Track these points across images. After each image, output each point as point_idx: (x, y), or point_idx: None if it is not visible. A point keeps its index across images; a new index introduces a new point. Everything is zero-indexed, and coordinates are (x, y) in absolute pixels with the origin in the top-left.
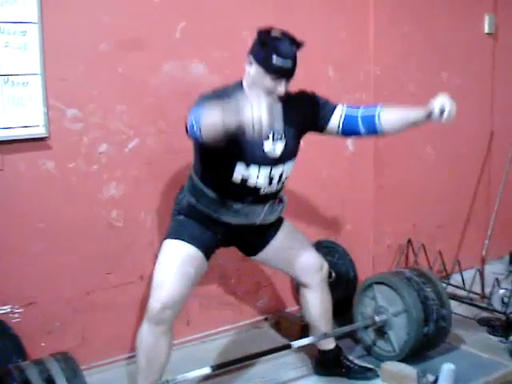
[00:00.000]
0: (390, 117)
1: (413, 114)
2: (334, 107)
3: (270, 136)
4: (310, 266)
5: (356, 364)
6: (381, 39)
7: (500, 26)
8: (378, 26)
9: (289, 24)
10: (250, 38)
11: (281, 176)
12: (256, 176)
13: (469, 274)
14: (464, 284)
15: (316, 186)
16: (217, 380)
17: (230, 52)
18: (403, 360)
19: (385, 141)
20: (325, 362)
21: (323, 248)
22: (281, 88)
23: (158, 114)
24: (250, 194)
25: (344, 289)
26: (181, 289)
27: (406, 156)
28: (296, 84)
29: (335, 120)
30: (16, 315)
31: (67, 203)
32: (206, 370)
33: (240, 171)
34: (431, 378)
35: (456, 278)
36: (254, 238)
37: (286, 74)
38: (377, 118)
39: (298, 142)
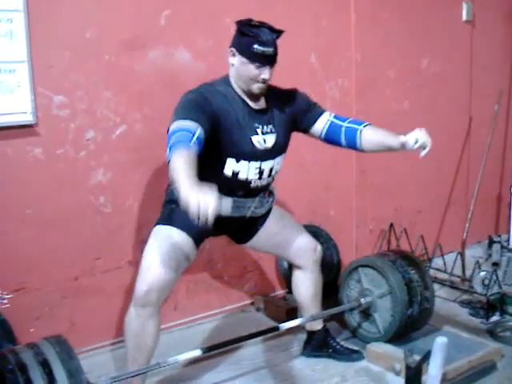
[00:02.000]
0: (370, 137)
1: (391, 140)
2: (322, 112)
3: (259, 130)
4: (304, 249)
5: (342, 345)
6: (362, 26)
7: (477, 13)
8: (359, 14)
9: (271, 11)
10: (233, 26)
11: (271, 170)
12: (246, 170)
13: (450, 258)
14: (445, 267)
15: (300, 172)
16: (205, 363)
17: (214, 39)
18: (388, 341)
19: None
20: (312, 343)
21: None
22: (265, 75)
23: (144, 101)
24: (241, 188)
25: (328, 273)
26: (168, 273)
27: None
28: (279, 71)
29: (320, 124)
30: (5, 301)
31: (55, 189)
32: (197, 353)
33: (230, 166)
34: (417, 357)
35: (437, 262)
36: (245, 227)
37: (268, 60)
38: (358, 134)
39: (288, 138)
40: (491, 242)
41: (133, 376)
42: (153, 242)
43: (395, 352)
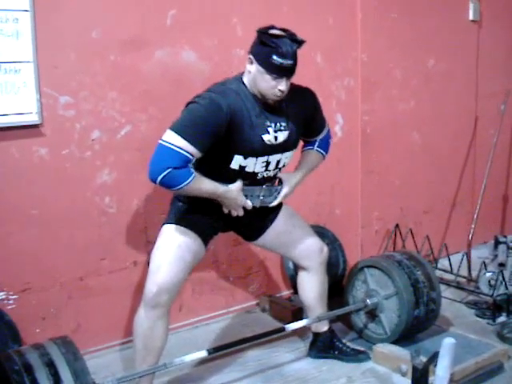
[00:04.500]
0: (303, 156)
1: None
2: (321, 130)
3: (271, 129)
4: (311, 250)
5: (348, 346)
6: (368, 26)
7: (484, 13)
8: (366, 13)
9: (277, 11)
10: (239, 25)
11: (278, 162)
12: (253, 164)
13: (455, 259)
14: (451, 268)
15: None
16: (211, 364)
17: (219, 39)
18: (394, 342)
19: (372, 127)
20: (318, 345)
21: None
22: (282, 86)
23: (149, 101)
24: (247, 179)
25: (333, 273)
26: (178, 273)
27: (392, 142)
28: None
29: (313, 139)
30: (11, 301)
31: (60, 190)
32: (203, 354)
33: (238, 161)
34: (424, 358)
35: (443, 263)
36: (254, 223)
37: (286, 72)
38: (308, 147)
39: (299, 135)
40: (497, 243)
41: (139, 377)
42: (161, 242)
43: (402, 353)
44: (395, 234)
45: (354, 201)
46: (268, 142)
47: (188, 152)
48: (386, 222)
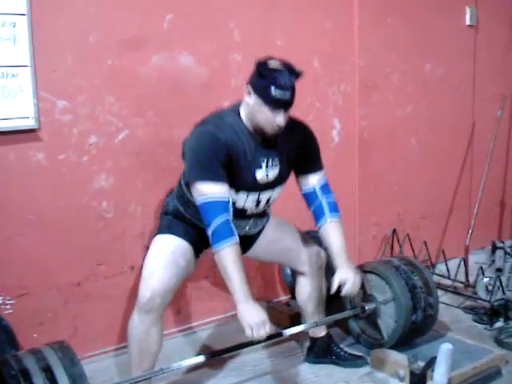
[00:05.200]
0: (326, 235)
1: (334, 257)
2: (317, 170)
3: (264, 164)
4: (307, 255)
5: (346, 351)
6: (365, 31)
7: (481, 18)
8: (363, 18)
9: (274, 16)
10: (237, 30)
11: (268, 199)
12: (244, 200)
13: (453, 264)
14: (449, 273)
15: None
16: (209, 369)
17: (217, 43)
18: (392, 347)
19: (370, 132)
20: (316, 350)
21: (310, 238)
22: (279, 119)
23: (146, 106)
24: (236, 213)
25: (331, 279)
26: (171, 278)
27: (390, 147)
28: None
29: (306, 181)
30: (8, 306)
31: (57, 194)
32: (200, 359)
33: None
34: (421, 363)
35: (440, 268)
36: (243, 239)
37: (284, 105)
38: (323, 221)
39: (290, 171)
40: (494, 248)
41: (136, 382)
42: (154, 249)
43: (399, 358)
44: (392, 240)
45: (351, 206)
46: (260, 178)
47: (218, 197)
48: (383, 228)
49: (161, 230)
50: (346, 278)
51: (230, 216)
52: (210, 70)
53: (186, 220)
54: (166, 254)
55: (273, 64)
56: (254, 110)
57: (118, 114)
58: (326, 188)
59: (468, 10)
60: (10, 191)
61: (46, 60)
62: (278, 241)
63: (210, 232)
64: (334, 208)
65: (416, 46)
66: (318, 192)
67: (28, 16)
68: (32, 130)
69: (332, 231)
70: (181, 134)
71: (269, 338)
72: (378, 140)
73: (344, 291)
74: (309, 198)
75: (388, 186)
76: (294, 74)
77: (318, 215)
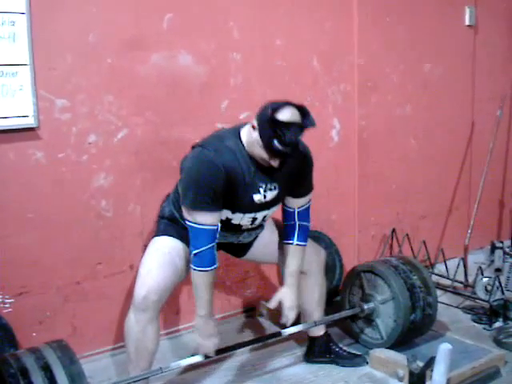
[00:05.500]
0: (286, 254)
1: (285, 277)
2: (305, 194)
3: (262, 189)
4: (307, 253)
5: (345, 350)
6: (364, 30)
7: (480, 18)
8: (362, 18)
9: (274, 15)
10: (236, 29)
11: (264, 217)
12: (240, 219)
13: (452, 264)
14: (448, 273)
15: None
16: (207, 368)
17: (216, 42)
18: (391, 347)
19: (369, 132)
20: (315, 349)
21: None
22: (274, 163)
23: (146, 105)
24: (232, 228)
25: (330, 278)
26: (168, 277)
27: (389, 147)
28: (282, 75)
29: (293, 202)
30: (7, 305)
31: (57, 193)
32: (199, 358)
33: (225, 214)
34: (420, 363)
35: (439, 268)
36: (238, 245)
37: (282, 156)
38: (289, 242)
39: (287, 193)
40: (493, 248)
41: (135, 381)
42: (150, 250)
43: (398, 358)
44: (392, 239)
45: (350, 206)
46: (258, 202)
47: (209, 225)
48: (382, 227)
49: (158, 232)
50: (286, 298)
51: (215, 242)
52: (210, 69)
53: (181, 224)
54: (163, 254)
55: (285, 115)
56: (254, 144)
57: (117, 112)
58: (304, 213)
59: (467, 10)
60: (9, 190)
61: (45, 59)
62: (275, 242)
63: (193, 252)
64: (304, 235)
65: (415, 45)
66: (296, 215)
67: (27, 14)
68: (31, 129)
69: (294, 254)
70: (180, 133)
71: (218, 352)
72: (378, 140)
73: (281, 309)
74: (286, 215)
75: (387, 186)
76: (304, 127)
77: (288, 233)
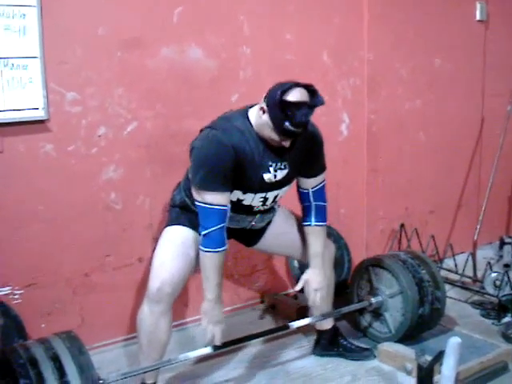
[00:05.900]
0: (307, 235)
1: (309, 258)
2: (318, 174)
3: (272, 168)
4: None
5: (353, 343)
6: (374, 25)
7: (491, 13)
8: (372, 12)
9: (284, 10)
10: (246, 23)
11: (275, 197)
12: (251, 199)
13: (461, 259)
14: (456, 268)
15: None
16: (216, 360)
17: (226, 36)
18: (399, 341)
19: (378, 126)
20: (323, 342)
21: None
22: (285, 143)
23: (156, 98)
24: (243, 210)
25: (338, 272)
26: (181, 269)
27: (398, 141)
28: (292, 69)
29: (305, 183)
30: (16, 296)
31: (66, 186)
32: (208, 350)
33: (236, 195)
34: (429, 357)
35: (448, 263)
36: (250, 231)
37: (294, 136)
38: (308, 222)
39: (298, 172)
40: (502, 243)
41: (144, 372)
42: (163, 241)
43: (406, 352)
44: (400, 234)
45: (359, 200)
46: (268, 181)
47: (218, 205)
48: (391, 222)
49: (169, 222)
50: (312, 280)
51: (225, 223)
52: (219, 62)
53: (193, 211)
54: (176, 245)
55: (294, 96)
56: (263, 126)
57: (127, 106)
58: (319, 192)
59: (478, 6)
60: (19, 182)
61: (55, 52)
62: (286, 233)
63: (202, 232)
64: (321, 214)
65: (425, 40)
66: (311, 195)
67: (38, 7)
68: (41, 122)
69: (314, 234)
70: (190, 126)
71: (226, 345)
72: (387, 134)
73: (306, 291)
74: (302, 196)
75: (396, 180)
76: (314, 106)
77: (305, 214)
